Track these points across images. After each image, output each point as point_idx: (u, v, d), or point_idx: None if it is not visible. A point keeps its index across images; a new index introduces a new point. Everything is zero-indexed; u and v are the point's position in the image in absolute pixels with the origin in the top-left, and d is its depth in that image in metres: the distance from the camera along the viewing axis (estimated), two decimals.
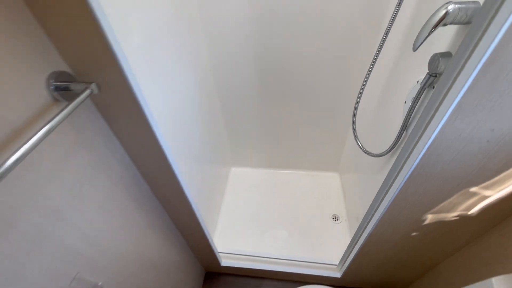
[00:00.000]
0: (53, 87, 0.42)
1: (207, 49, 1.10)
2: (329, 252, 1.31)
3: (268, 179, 1.71)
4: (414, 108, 0.70)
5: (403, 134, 0.78)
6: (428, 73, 0.62)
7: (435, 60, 0.60)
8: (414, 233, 0.76)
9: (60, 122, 0.37)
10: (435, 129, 0.45)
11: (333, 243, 1.37)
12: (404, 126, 0.76)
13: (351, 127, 1.37)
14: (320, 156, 1.63)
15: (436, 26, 0.54)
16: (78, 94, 0.42)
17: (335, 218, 1.49)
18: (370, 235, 0.79)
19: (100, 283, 0.51)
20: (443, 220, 0.69)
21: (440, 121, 0.44)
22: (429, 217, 0.68)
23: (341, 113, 1.33)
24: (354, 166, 1.40)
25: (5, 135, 0.35)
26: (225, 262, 1.23)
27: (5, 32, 0.34)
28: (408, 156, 0.55)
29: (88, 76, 0.45)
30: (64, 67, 0.43)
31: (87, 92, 0.42)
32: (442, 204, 0.63)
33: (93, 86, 0.43)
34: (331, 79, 1.17)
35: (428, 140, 0.47)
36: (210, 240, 1.02)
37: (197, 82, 1.04)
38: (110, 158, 0.57)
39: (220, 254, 1.24)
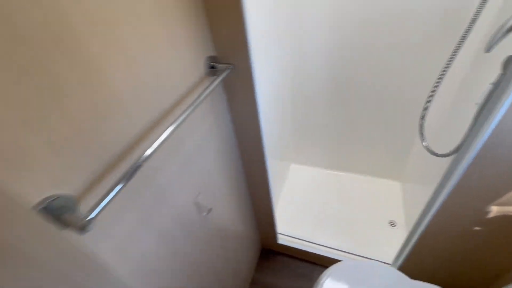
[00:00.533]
0: (208, 66, 0.64)
1: (289, 53, 1.30)
2: (383, 253, 1.34)
3: (326, 179, 1.80)
4: (485, 107, 0.75)
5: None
6: (500, 73, 0.68)
7: (508, 62, 0.66)
8: (476, 227, 0.78)
9: (213, 89, 0.59)
10: (500, 110, 0.53)
11: (388, 245, 1.38)
12: (473, 125, 0.81)
13: (416, 135, 1.39)
14: (382, 163, 1.65)
15: (509, 30, 0.62)
16: (221, 72, 0.63)
17: (392, 224, 1.50)
18: (429, 225, 0.84)
19: (210, 207, 0.71)
20: (510, 214, 0.71)
21: (504, 102, 0.52)
22: (494, 210, 0.72)
23: (408, 120, 1.36)
24: (417, 176, 1.40)
25: (184, 94, 0.57)
26: (281, 241, 1.38)
27: (190, 29, 0.57)
28: (474, 139, 0.62)
29: (227, 60, 0.66)
30: (213, 52, 0.66)
31: (228, 71, 0.63)
32: (508, 195, 0.67)
33: (231, 66, 0.64)
34: (401, 83, 1.24)
35: (493, 121, 0.55)
36: (274, 214, 1.18)
37: (279, 79, 1.24)
38: (222, 124, 0.78)
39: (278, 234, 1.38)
